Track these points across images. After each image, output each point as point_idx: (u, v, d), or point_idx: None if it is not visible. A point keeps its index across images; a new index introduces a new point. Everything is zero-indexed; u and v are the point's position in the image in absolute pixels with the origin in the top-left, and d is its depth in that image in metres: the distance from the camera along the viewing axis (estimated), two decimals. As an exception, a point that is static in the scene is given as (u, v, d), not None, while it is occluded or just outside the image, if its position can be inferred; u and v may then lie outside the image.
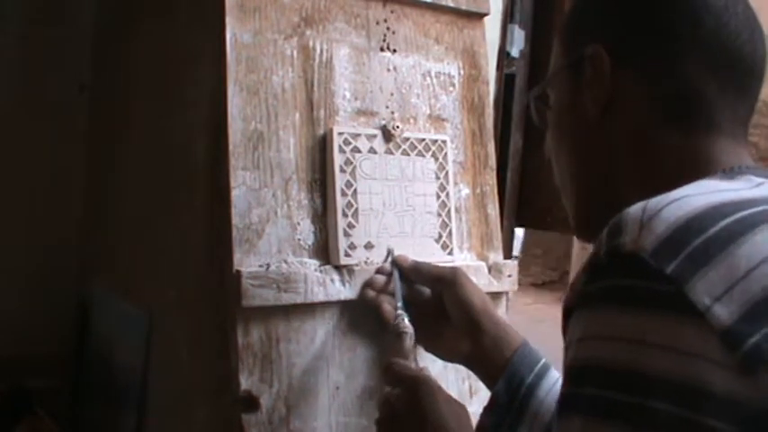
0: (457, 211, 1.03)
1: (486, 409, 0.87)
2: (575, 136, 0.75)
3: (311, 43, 0.94)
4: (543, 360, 0.91)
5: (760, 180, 0.63)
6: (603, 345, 0.55)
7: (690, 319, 0.52)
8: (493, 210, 1.08)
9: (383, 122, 0.97)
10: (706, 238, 0.54)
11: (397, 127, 0.97)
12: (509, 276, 1.05)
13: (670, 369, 0.51)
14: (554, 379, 0.91)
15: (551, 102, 0.78)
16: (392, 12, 1.01)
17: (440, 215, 1.00)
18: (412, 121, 1.01)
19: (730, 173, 0.65)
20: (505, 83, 1.99)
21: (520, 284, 1.08)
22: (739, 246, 0.53)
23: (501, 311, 1.06)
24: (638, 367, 0.52)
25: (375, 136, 0.96)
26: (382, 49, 0.99)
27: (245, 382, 0.85)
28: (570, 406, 0.56)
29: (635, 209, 0.57)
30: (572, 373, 0.56)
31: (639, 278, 0.54)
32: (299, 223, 0.90)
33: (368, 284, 0.93)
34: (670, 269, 0.53)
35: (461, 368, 0.95)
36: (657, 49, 0.69)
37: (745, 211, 0.56)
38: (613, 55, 0.69)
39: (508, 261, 1.06)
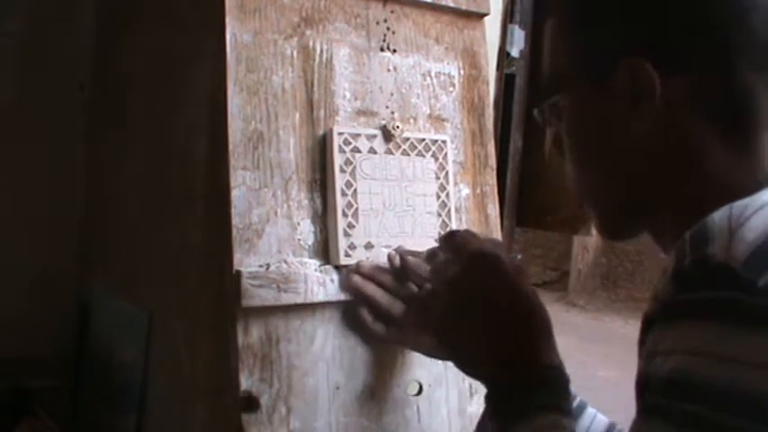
0: (457, 211, 1.03)
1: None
2: (610, 148, 0.71)
3: (311, 43, 0.94)
4: None
5: None
6: (695, 360, 0.53)
7: None
8: (493, 210, 1.08)
9: (383, 122, 0.97)
10: None
11: (397, 127, 0.97)
12: (509, 276, 1.05)
13: (763, 387, 0.50)
14: None
15: (564, 107, 0.74)
16: (392, 12, 1.01)
17: (440, 215, 1.00)
18: (412, 121, 1.01)
19: None
20: (505, 83, 1.99)
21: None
22: None
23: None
24: (731, 385, 0.51)
25: (375, 136, 0.96)
26: (382, 49, 1.00)
27: (245, 382, 0.85)
28: (660, 414, 0.55)
29: (720, 216, 0.56)
30: (663, 384, 0.55)
31: (732, 290, 0.52)
32: (299, 223, 0.91)
33: (354, 270, 0.89)
34: (763, 281, 0.51)
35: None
36: (707, 55, 0.66)
37: None
38: (656, 65, 0.66)
39: (508, 261, 1.06)
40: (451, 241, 0.81)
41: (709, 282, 0.54)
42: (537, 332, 0.72)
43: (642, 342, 0.60)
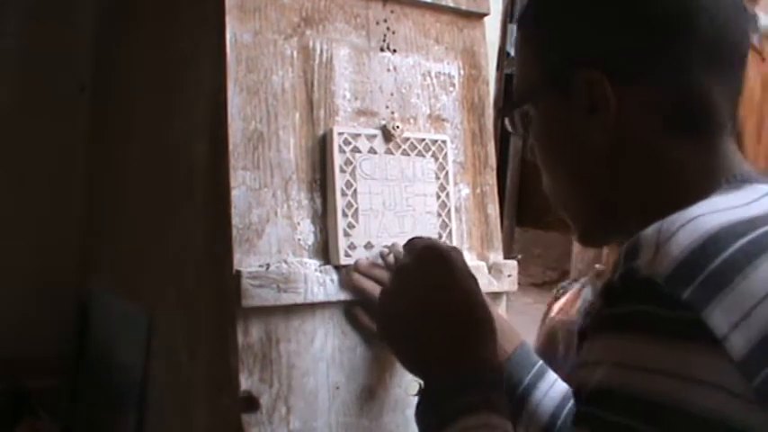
0: (457, 211, 1.03)
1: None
2: (575, 157, 0.71)
3: (311, 43, 0.94)
4: (540, 362, 0.91)
5: (765, 189, 0.62)
6: (618, 372, 0.54)
7: (707, 346, 0.51)
8: (493, 210, 1.08)
9: (383, 122, 0.97)
10: (722, 261, 0.53)
11: (397, 127, 0.97)
12: (509, 276, 1.05)
13: (684, 399, 0.51)
14: (551, 381, 0.90)
15: (532, 115, 0.74)
16: (392, 12, 1.01)
17: (440, 215, 1.00)
18: (412, 121, 1.01)
19: (735, 182, 0.64)
20: (505, 83, 1.99)
21: (519, 284, 1.08)
22: (756, 268, 0.52)
23: (501, 311, 1.06)
24: (652, 396, 0.52)
25: (375, 136, 0.96)
26: (382, 49, 0.99)
27: (245, 382, 0.85)
28: (585, 422, 0.56)
29: (651, 230, 0.56)
30: (590, 394, 0.56)
31: (654, 304, 0.53)
32: (299, 223, 0.91)
33: (353, 268, 0.90)
34: (686, 295, 0.52)
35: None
36: (659, 61, 0.66)
37: (760, 230, 0.55)
38: (611, 75, 0.66)
39: (508, 261, 1.06)
40: (410, 243, 0.84)
41: (633, 296, 0.54)
42: (474, 332, 0.73)
43: (578, 353, 0.61)
